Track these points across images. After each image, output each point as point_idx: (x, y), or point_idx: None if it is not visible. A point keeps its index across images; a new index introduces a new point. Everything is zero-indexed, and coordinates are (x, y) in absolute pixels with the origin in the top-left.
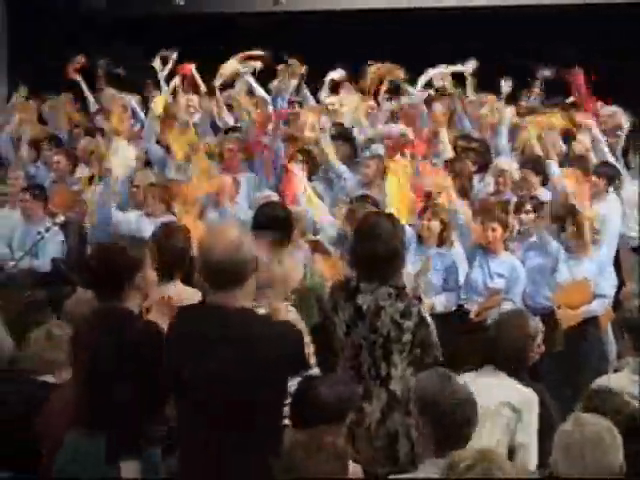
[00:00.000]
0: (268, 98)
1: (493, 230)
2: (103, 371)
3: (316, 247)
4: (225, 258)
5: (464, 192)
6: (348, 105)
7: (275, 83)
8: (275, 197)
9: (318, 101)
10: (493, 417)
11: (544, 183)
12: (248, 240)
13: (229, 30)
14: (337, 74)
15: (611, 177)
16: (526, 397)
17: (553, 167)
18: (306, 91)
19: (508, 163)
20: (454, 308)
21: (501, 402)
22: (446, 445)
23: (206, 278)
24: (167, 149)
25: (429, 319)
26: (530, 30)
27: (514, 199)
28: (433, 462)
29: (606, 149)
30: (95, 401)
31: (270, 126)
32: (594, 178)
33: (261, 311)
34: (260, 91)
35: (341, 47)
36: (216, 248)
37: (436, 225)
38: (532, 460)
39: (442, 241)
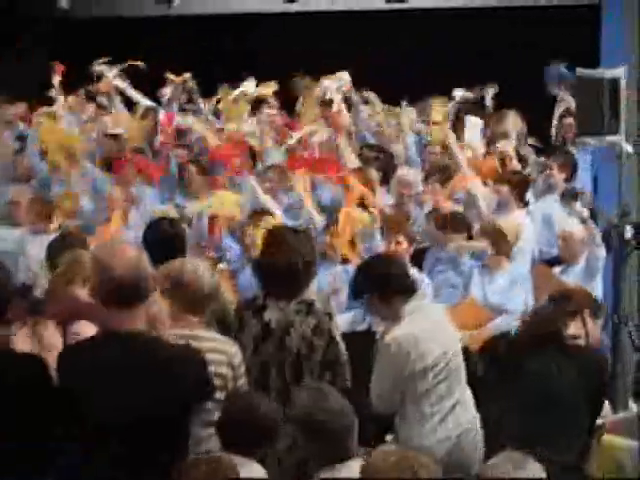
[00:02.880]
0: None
1: (398, 243)
2: None
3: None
4: (126, 273)
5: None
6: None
7: (164, 91)
8: (172, 212)
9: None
10: None
11: (450, 194)
12: (145, 257)
13: (120, 34)
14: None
15: (523, 188)
16: None
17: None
18: (200, 101)
19: (411, 173)
20: (364, 328)
21: None
22: (326, 459)
23: (105, 297)
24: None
25: (339, 338)
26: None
27: (421, 210)
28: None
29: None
30: None
31: (161, 136)
32: (504, 188)
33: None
34: (145, 101)
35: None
36: (116, 264)
37: (343, 240)
38: None
39: (347, 259)
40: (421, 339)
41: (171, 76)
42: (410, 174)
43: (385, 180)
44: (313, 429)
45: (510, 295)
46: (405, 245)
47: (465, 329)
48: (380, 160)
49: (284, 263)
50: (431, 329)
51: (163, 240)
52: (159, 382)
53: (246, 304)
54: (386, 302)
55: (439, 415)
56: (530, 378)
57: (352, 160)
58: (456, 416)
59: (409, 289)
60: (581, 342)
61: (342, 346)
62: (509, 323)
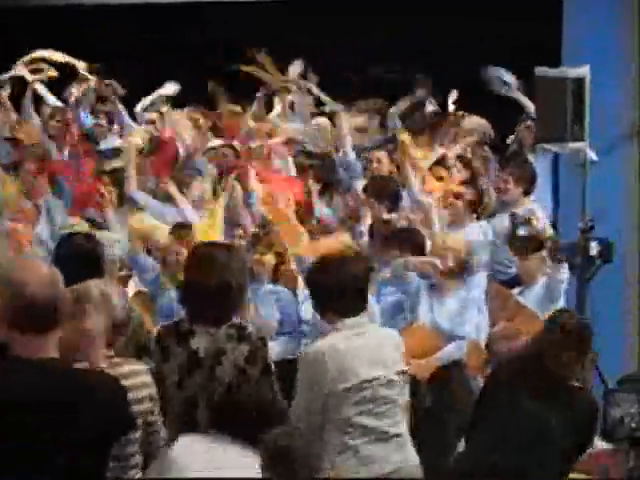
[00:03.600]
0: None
1: None
2: None
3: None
4: (41, 293)
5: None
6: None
7: (72, 91)
8: (84, 226)
9: (134, 117)
10: None
11: (391, 209)
12: (59, 276)
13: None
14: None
15: (480, 197)
16: None
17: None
18: (118, 103)
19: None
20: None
21: None
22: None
23: (16, 320)
24: None
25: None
26: None
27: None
28: None
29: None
30: None
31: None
32: (454, 200)
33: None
34: (53, 100)
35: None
36: (29, 283)
37: (270, 258)
38: None
39: (277, 276)
40: (346, 355)
41: (84, 73)
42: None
43: (325, 188)
44: (279, 454)
45: (462, 320)
46: None
47: (413, 356)
48: (317, 167)
49: (214, 282)
50: (363, 348)
51: (78, 257)
52: (76, 414)
53: (168, 330)
54: (322, 315)
55: (365, 450)
56: (521, 415)
57: (287, 168)
58: (387, 453)
59: (342, 307)
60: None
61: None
62: (461, 351)
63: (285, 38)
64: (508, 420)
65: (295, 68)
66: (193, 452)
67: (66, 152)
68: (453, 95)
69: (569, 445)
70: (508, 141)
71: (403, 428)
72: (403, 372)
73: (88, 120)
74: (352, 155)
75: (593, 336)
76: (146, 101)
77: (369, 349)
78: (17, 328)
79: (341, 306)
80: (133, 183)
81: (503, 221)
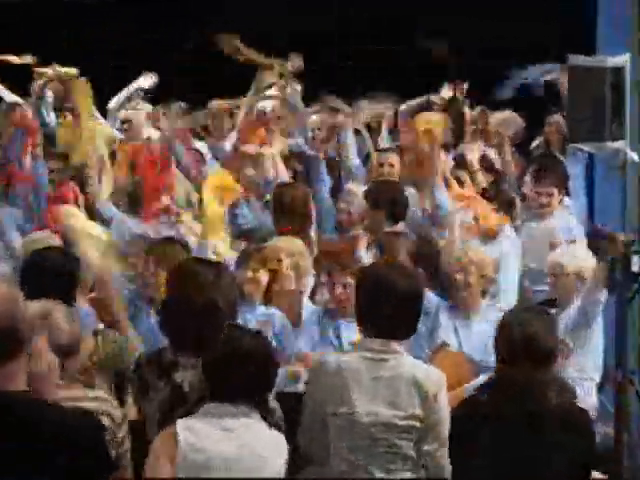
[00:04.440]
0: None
1: (345, 286)
2: None
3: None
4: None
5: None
6: None
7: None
8: (52, 239)
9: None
10: None
11: (397, 218)
12: (21, 296)
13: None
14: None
15: (507, 206)
16: None
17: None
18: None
19: (356, 189)
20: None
21: None
22: None
23: None
24: None
25: (274, 403)
26: None
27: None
28: None
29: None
30: None
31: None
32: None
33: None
34: (12, 97)
35: None
36: None
37: (264, 276)
38: None
39: (269, 298)
40: (347, 375)
41: (39, 69)
42: (356, 189)
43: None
44: None
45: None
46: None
47: None
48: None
49: (200, 304)
50: (370, 376)
51: (50, 274)
52: (47, 454)
53: (149, 360)
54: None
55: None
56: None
57: (282, 172)
58: None
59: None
60: None
61: (279, 414)
62: None
63: (285, 30)
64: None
65: (295, 62)
66: None
67: (27, 158)
68: (462, 86)
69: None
70: (534, 144)
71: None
72: (416, 417)
73: (51, 119)
74: (356, 161)
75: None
76: (121, 96)
77: (379, 380)
78: None
79: (368, 322)
80: (98, 193)
81: (534, 233)
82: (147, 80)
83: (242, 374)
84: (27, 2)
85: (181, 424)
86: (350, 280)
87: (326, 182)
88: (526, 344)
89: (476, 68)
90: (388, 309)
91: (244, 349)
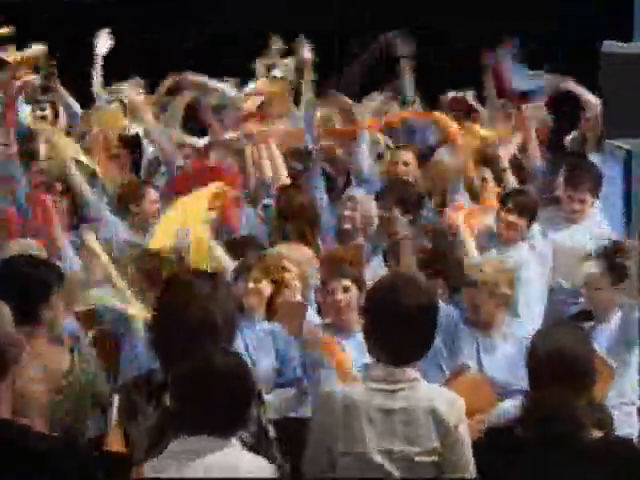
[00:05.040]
0: None
1: (345, 290)
2: None
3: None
4: None
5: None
6: None
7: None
8: (32, 247)
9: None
10: None
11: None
12: (7, 311)
13: None
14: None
15: (531, 212)
16: None
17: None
18: (63, 90)
19: (362, 195)
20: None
21: None
22: None
23: None
24: None
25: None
26: None
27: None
28: None
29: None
30: None
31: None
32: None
33: None
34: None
35: None
36: None
37: (267, 287)
38: None
39: (272, 312)
40: (357, 411)
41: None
42: (362, 196)
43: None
44: None
45: (514, 369)
46: (354, 293)
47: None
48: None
49: (196, 319)
50: (380, 407)
51: (18, 284)
52: None
53: (137, 384)
54: None
55: None
56: None
57: (281, 174)
58: None
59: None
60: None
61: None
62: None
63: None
64: None
65: (305, 52)
66: None
67: None
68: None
69: None
70: (566, 141)
71: None
72: (435, 451)
73: (25, 114)
74: (364, 159)
75: None
76: (97, 74)
77: (392, 413)
78: None
79: (376, 347)
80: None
81: (565, 238)
82: (103, 42)
83: (214, 398)
84: (27, 2)
85: (149, 466)
86: (349, 283)
87: (321, 187)
88: (551, 361)
89: None
90: (395, 331)
91: (216, 368)
